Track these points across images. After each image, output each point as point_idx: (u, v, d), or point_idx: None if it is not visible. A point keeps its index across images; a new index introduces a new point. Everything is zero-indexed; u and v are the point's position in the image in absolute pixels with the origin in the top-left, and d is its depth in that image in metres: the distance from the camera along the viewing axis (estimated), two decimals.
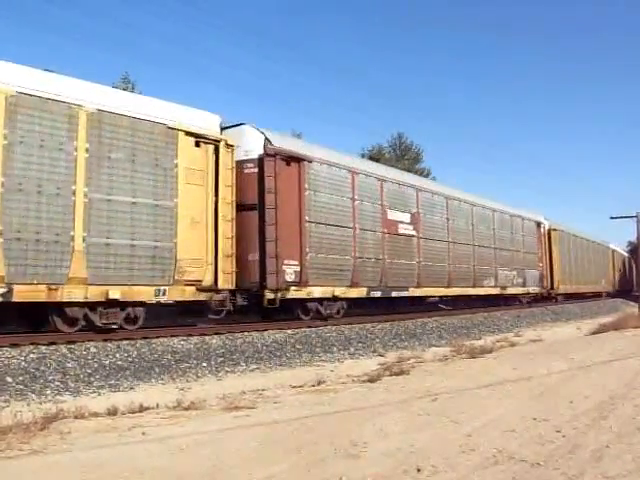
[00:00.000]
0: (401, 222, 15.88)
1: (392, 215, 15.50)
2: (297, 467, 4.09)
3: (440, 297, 19.35)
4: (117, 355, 8.80)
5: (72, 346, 8.70)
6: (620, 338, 13.65)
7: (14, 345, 8.29)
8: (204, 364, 9.35)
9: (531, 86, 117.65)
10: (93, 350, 8.74)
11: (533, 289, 24.57)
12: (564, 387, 7.16)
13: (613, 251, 43.82)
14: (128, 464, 4.15)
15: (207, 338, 10.46)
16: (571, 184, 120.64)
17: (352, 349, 12.01)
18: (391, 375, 8.48)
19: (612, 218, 32.04)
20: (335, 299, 13.47)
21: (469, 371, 8.93)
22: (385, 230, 15.11)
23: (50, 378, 7.63)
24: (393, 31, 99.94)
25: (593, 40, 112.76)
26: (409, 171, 29.92)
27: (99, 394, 7.40)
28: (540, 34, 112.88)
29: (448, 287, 17.99)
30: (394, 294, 15.46)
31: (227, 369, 9.35)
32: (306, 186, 12.71)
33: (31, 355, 8.09)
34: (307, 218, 12.61)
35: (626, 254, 51.87)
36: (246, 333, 11.25)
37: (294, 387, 7.80)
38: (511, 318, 20.38)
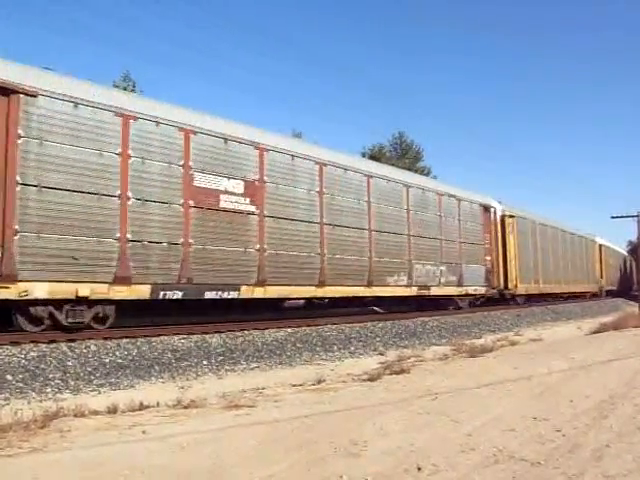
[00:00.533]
0: (225, 192, 11.23)
1: (206, 182, 10.91)
2: (297, 466, 4.09)
3: (308, 299, 13.67)
4: (117, 353, 8.80)
5: (72, 344, 8.70)
6: (620, 338, 13.65)
7: (14, 343, 8.30)
8: (204, 362, 9.36)
9: (532, 85, 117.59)
10: (93, 348, 8.74)
11: (475, 289, 19.41)
12: (564, 386, 7.16)
13: (601, 246, 38.13)
14: (128, 462, 4.15)
15: (207, 336, 10.46)
16: (572, 184, 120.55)
17: (352, 348, 12.01)
18: (391, 374, 8.47)
19: (613, 218, 32.06)
20: (89, 302, 9.31)
21: (469, 370, 8.93)
22: (191, 202, 10.60)
23: (50, 376, 7.63)
24: (393, 30, 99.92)
25: (593, 40, 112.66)
26: (409, 170, 27.96)
27: (99, 392, 7.40)
28: (540, 33, 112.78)
29: (321, 286, 13.10)
30: (210, 295, 10.84)
31: (227, 367, 9.36)
32: (21, 132, 8.58)
33: (31, 353, 8.09)
34: (19, 179, 8.52)
35: (623, 252, 51.11)
36: (246, 332, 11.26)
37: (294, 386, 7.80)
38: (511, 317, 20.37)
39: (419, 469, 3.94)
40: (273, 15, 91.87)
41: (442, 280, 17.56)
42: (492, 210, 21.10)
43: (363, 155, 36.69)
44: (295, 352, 10.92)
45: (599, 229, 69.29)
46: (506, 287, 21.90)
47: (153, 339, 9.69)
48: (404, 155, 43.41)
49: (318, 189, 13.45)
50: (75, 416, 5.60)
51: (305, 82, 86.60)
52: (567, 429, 4.96)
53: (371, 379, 8.02)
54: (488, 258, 20.39)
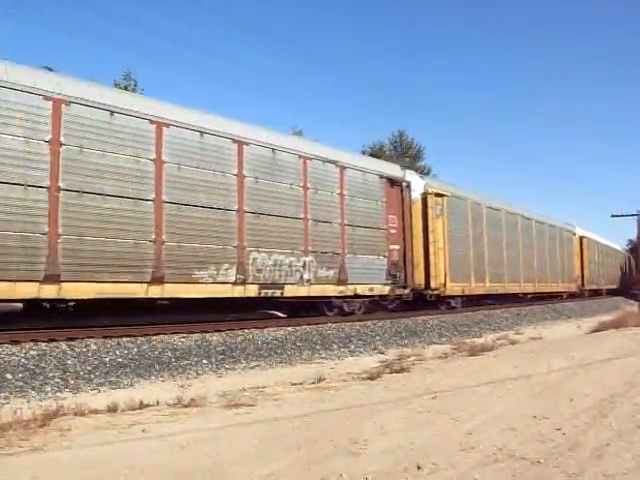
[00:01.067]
0: None
1: None
2: (297, 464, 4.09)
3: (27, 301, 9.37)
4: (117, 352, 8.81)
5: (72, 343, 8.71)
6: (620, 336, 13.62)
7: (14, 342, 8.30)
8: (204, 361, 9.36)
9: (532, 84, 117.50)
10: (93, 347, 8.75)
11: (371, 288, 14.52)
12: (564, 385, 7.15)
13: (582, 239, 32.60)
14: (128, 461, 4.14)
15: (207, 335, 10.47)
16: (573, 183, 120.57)
17: (352, 346, 12.01)
18: (391, 373, 8.47)
19: (613, 216, 32.08)
20: None
21: (469, 369, 8.93)
22: None
23: (50, 375, 7.64)
24: (395, 29, 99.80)
25: (594, 39, 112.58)
26: (410, 169, 27.47)
27: (99, 391, 7.41)
28: (540, 33, 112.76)
29: (50, 281, 8.79)
30: None
31: (227, 366, 9.36)
32: None
33: (31, 352, 8.09)
34: None
35: (618, 247, 49.96)
36: (246, 330, 11.27)
37: (294, 384, 7.80)
38: (511, 316, 20.39)
39: (419, 468, 3.94)
40: (274, 14, 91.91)
41: (307, 276, 12.74)
42: (404, 185, 15.88)
43: (363, 153, 35.91)
44: (295, 351, 10.93)
45: (600, 228, 69.20)
46: (428, 286, 16.91)
47: (153, 338, 9.70)
48: (404, 154, 43.42)
49: (49, 138, 8.98)
50: (75, 415, 5.60)
51: (306, 81, 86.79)
52: (567, 428, 4.95)
53: (371, 378, 8.02)
54: (396, 247, 15.31)
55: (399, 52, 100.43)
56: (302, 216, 12.84)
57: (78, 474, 3.94)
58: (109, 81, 22.47)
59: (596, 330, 16.01)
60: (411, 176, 16.84)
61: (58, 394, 7.09)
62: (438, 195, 17.63)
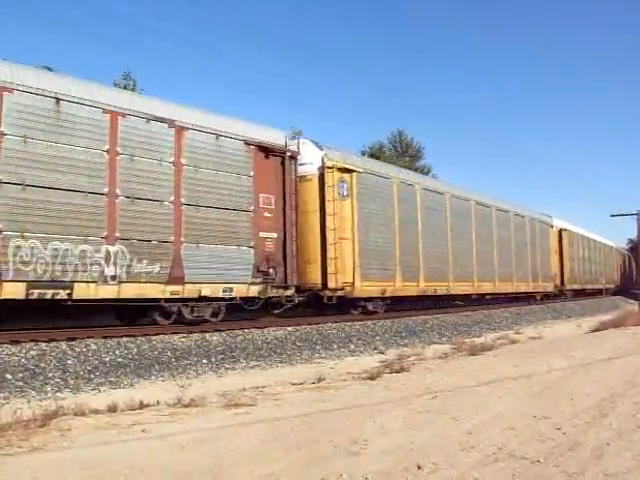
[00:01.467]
0: None
1: None
2: (297, 464, 4.09)
3: None
4: (117, 352, 8.80)
5: (72, 343, 8.71)
6: (620, 336, 13.62)
7: (14, 342, 8.29)
8: (204, 361, 9.36)
9: (533, 84, 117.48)
10: (93, 347, 8.74)
11: (229, 288, 11.15)
12: (564, 384, 7.15)
13: (562, 232, 28.52)
14: (128, 461, 4.14)
15: (207, 335, 10.46)
16: (573, 182, 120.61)
17: (352, 346, 12.01)
18: (391, 372, 8.47)
19: (612, 216, 32.09)
20: None
21: (469, 368, 8.92)
22: None
23: (50, 375, 7.64)
24: (395, 28, 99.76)
25: (594, 38, 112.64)
26: (409, 168, 26.79)
27: (99, 391, 7.41)
28: (541, 32, 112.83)
29: None
30: None
31: (227, 366, 9.36)
32: None
33: (31, 352, 8.09)
34: None
35: (611, 243, 49.29)
36: (246, 330, 11.27)
37: (294, 384, 7.80)
38: (512, 316, 20.39)
39: (419, 467, 3.94)
40: (274, 14, 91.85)
41: (112, 271, 9.44)
42: (287, 155, 12.43)
43: (363, 153, 36.02)
44: (295, 350, 10.93)
45: (599, 228, 69.18)
46: (326, 286, 13.39)
47: (153, 338, 9.69)
48: (404, 153, 43.36)
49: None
50: (75, 415, 5.60)
51: (306, 81, 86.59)
52: (567, 427, 4.95)
53: (371, 378, 8.02)
54: (272, 235, 12.00)
55: (399, 52, 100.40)
56: (105, 190, 9.48)
57: (78, 474, 3.94)
58: (109, 81, 22.45)
59: (596, 329, 16.03)
60: (303, 145, 13.25)
61: (58, 394, 7.10)
62: (344, 170, 13.83)
